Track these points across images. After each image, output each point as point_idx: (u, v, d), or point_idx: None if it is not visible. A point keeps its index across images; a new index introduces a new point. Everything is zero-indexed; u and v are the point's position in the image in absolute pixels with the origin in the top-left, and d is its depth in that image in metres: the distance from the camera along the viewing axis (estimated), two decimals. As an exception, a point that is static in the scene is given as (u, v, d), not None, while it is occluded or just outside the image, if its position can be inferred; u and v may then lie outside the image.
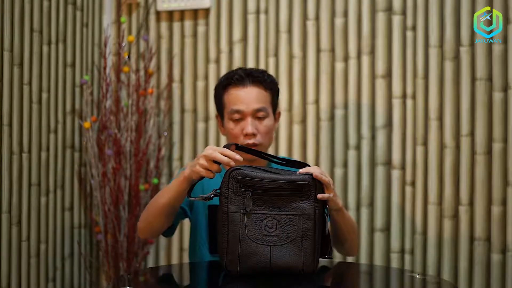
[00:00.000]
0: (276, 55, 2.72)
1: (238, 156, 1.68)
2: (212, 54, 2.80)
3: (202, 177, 1.73)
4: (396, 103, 2.58)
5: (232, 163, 1.67)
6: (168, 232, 2.07)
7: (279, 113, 2.12)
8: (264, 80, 2.01)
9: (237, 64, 2.75)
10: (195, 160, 1.74)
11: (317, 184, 1.66)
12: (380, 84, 2.60)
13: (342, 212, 1.84)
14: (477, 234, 2.49)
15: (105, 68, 2.80)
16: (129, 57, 2.83)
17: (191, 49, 2.83)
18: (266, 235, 1.63)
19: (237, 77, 2.00)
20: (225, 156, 1.68)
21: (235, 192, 1.63)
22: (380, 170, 2.60)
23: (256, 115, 1.98)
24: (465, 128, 2.51)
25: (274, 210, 1.64)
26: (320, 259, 1.71)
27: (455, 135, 2.52)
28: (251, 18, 2.75)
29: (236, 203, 1.63)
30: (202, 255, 2.04)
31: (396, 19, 2.58)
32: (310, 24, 2.68)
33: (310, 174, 1.66)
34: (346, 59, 2.64)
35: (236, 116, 1.98)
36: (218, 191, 1.65)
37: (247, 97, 1.98)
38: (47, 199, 2.55)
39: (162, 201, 1.85)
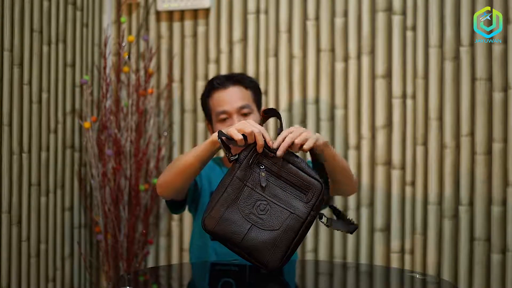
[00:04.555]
0: (276, 55, 2.72)
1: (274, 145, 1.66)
2: (212, 54, 2.80)
3: (225, 142, 1.68)
4: (396, 103, 2.58)
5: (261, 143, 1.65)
6: (178, 207, 2.09)
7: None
8: (243, 79, 2.16)
9: (237, 64, 2.75)
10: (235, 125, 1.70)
11: (323, 191, 1.65)
12: (380, 84, 2.60)
13: (329, 149, 1.78)
14: (477, 234, 2.49)
15: (105, 68, 2.80)
16: (129, 57, 2.83)
17: (191, 49, 2.83)
18: (254, 214, 1.64)
19: (218, 81, 2.15)
20: (262, 139, 1.65)
21: (250, 163, 1.65)
22: (380, 170, 2.60)
23: (241, 112, 2.09)
24: (465, 128, 2.51)
25: (272, 198, 1.65)
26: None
27: (455, 135, 2.52)
28: (251, 18, 2.75)
29: (245, 172, 1.65)
30: (207, 238, 2.08)
31: (396, 19, 2.58)
32: (310, 24, 2.68)
33: (320, 181, 1.65)
34: (346, 59, 2.64)
35: (223, 116, 2.10)
36: (237, 156, 1.65)
37: (230, 96, 2.10)
38: (47, 199, 2.55)
39: (186, 159, 1.82)
